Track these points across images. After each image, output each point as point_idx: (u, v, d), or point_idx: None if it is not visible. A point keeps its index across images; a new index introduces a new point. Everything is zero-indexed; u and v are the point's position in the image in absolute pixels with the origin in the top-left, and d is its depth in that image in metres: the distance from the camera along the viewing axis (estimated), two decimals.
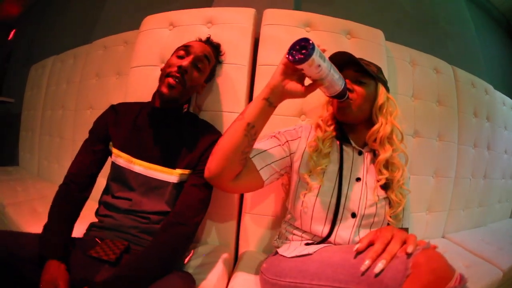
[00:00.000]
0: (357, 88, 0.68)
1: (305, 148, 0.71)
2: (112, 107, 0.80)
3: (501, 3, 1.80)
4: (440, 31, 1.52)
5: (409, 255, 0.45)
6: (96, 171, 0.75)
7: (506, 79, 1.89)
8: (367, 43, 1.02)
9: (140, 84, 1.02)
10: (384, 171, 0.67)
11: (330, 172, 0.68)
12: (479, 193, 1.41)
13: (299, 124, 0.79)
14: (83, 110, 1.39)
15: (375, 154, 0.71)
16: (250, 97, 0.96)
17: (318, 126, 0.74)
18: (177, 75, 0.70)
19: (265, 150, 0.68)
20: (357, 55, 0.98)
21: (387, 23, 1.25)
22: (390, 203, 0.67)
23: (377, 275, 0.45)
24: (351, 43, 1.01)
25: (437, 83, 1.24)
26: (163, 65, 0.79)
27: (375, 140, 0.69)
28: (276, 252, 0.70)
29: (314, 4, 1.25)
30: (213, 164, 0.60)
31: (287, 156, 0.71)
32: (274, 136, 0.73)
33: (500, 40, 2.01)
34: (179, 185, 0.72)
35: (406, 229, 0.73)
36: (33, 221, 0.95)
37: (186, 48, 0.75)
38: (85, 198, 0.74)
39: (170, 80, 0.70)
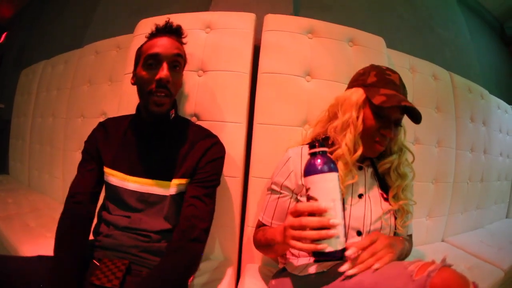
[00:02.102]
0: (394, 131, 0.64)
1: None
2: (101, 124, 0.77)
3: (495, 8, 1.83)
4: (436, 37, 1.54)
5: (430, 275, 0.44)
6: (96, 190, 0.72)
7: (500, 82, 1.93)
8: (369, 50, 1.01)
9: (135, 92, 0.97)
10: (402, 196, 0.66)
11: None
12: (477, 196, 1.43)
13: (285, 156, 0.70)
14: (74, 119, 1.34)
15: (375, 167, 0.70)
16: (251, 107, 0.94)
17: (340, 156, 0.62)
18: (161, 90, 0.66)
19: (274, 212, 0.68)
20: (360, 63, 0.97)
21: (385, 30, 1.25)
22: (396, 214, 0.67)
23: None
24: (353, 50, 1.00)
25: (435, 89, 1.25)
26: (132, 77, 0.73)
27: (388, 167, 0.67)
28: (284, 269, 0.68)
29: (313, 10, 1.24)
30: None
31: (291, 196, 0.68)
32: (271, 189, 0.71)
33: (494, 44, 2.04)
34: (177, 197, 0.69)
35: (410, 236, 0.73)
36: (25, 238, 0.91)
37: (154, 56, 0.67)
38: (91, 217, 0.69)
39: (156, 99, 0.66)
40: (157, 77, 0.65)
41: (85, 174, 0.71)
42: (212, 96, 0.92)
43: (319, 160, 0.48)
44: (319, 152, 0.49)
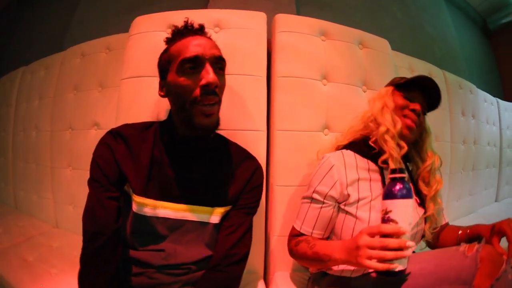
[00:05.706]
0: (421, 119, 0.70)
1: (358, 194, 0.66)
2: (115, 133, 0.60)
3: (478, 4, 1.95)
4: (427, 35, 1.60)
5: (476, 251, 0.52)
6: (120, 224, 0.58)
7: (484, 75, 2.06)
8: (377, 53, 1.02)
9: (136, 99, 0.89)
10: (439, 200, 0.70)
11: (376, 202, 0.65)
12: (469, 183, 1.54)
13: (327, 162, 0.68)
14: (61, 131, 1.21)
15: (409, 172, 0.72)
16: (269, 113, 0.90)
17: (390, 155, 0.65)
18: (209, 97, 0.55)
19: (316, 221, 0.68)
20: (371, 65, 0.99)
21: (381, 29, 1.27)
22: (426, 219, 0.69)
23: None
24: (363, 53, 1.00)
25: None
26: (160, 88, 0.63)
27: (420, 173, 0.71)
28: (325, 273, 0.68)
29: (312, 9, 1.22)
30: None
31: (334, 206, 0.68)
32: (311, 198, 0.69)
33: (477, 39, 2.18)
34: (220, 224, 0.64)
35: (447, 224, 0.79)
36: (27, 278, 0.80)
37: (193, 60, 0.55)
38: (117, 264, 0.57)
39: (205, 109, 0.55)
40: (204, 82, 0.54)
41: (106, 203, 0.56)
42: (228, 102, 0.85)
43: (400, 186, 0.53)
44: (400, 178, 0.54)
